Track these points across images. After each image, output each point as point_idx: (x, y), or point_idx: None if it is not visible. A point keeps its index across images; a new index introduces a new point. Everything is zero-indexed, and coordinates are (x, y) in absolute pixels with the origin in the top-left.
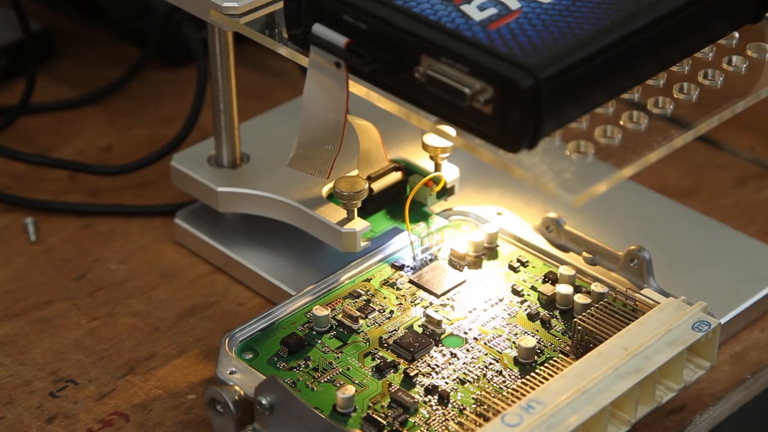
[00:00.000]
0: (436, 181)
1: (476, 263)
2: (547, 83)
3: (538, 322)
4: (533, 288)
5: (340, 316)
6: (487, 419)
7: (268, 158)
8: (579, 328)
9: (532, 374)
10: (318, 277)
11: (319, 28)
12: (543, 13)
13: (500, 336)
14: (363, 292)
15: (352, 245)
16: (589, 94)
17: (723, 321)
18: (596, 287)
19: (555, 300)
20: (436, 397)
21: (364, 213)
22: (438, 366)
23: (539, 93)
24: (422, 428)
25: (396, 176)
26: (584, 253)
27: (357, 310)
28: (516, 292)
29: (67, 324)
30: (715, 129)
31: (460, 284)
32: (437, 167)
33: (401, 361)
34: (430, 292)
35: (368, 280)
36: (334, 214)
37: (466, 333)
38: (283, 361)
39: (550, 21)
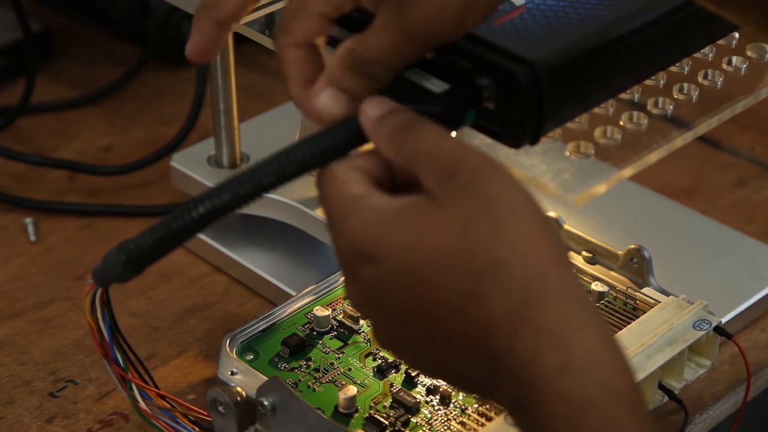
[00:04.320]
0: None
1: None
2: (549, 78)
3: None
4: None
5: (340, 316)
6: (489, 419)
7: None
8: None
9: None
10: (318, 277)
11: None
12: (547, 9)
13: None
14: None
15: None
16: (591, 89)
17: (723, 321)
18: (596, 286)
19: None
20: (437, 397)
21: None
22: None
23: (542, 88)
24: (424, 428)
25: None
26: (584, 252)
27: None
28: None
29: (67, 324)
30: (715, 129)
31: None
32: None
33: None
34: None
35: None
36: None
37: None
38: (284, 361)
39: (553, 17)
